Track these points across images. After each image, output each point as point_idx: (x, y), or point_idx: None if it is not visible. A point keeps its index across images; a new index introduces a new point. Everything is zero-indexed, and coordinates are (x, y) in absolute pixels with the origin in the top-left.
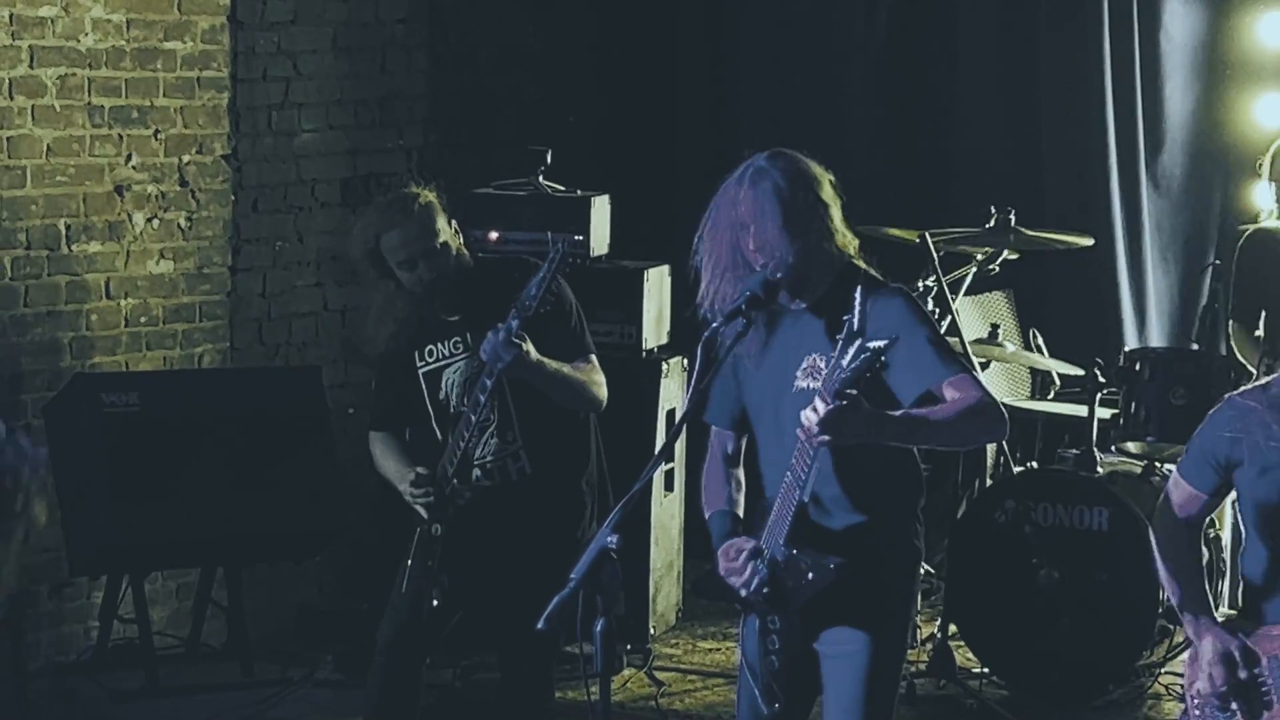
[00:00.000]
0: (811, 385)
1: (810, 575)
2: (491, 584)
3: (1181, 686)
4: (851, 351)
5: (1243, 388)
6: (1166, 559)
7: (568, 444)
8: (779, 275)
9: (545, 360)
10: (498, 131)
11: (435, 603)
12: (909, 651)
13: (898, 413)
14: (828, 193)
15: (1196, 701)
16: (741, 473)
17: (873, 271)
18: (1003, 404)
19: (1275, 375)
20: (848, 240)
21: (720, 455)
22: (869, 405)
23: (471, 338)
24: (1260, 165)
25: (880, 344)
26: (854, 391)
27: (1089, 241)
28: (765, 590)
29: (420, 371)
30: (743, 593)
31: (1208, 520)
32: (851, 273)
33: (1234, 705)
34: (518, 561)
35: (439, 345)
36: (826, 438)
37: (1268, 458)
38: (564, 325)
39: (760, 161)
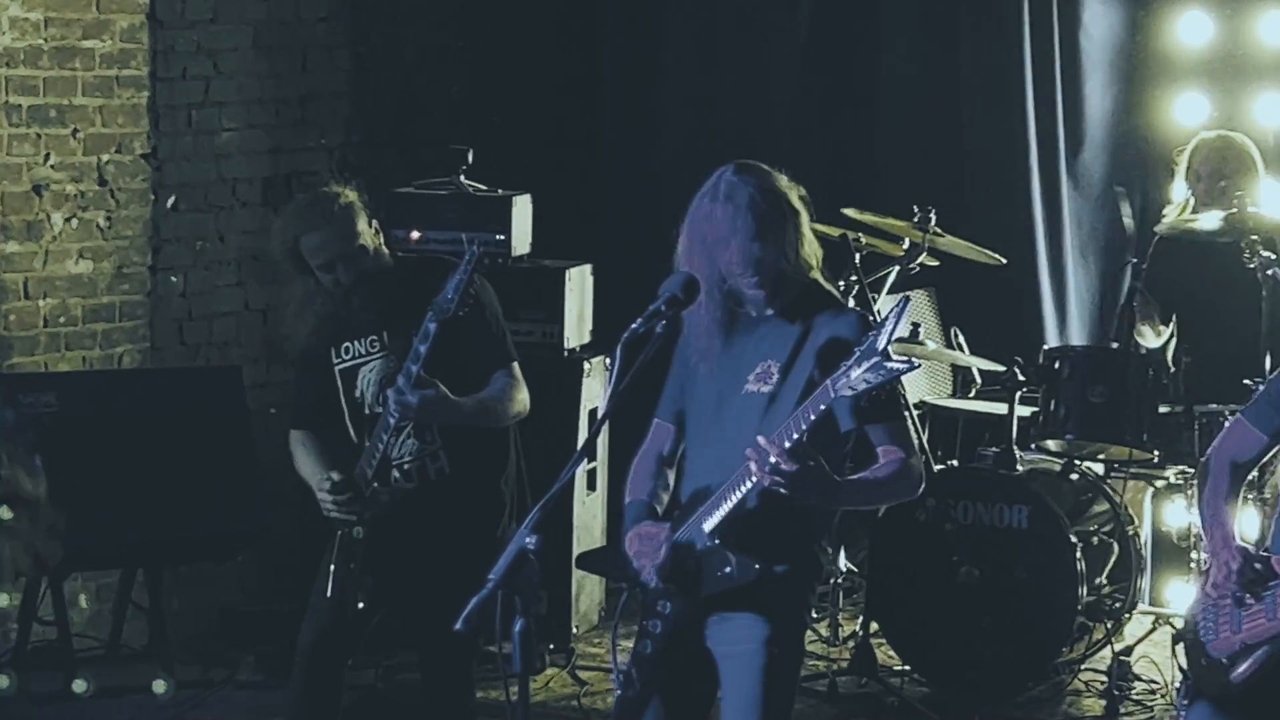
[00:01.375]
0: (763, 390)
1: (728, 569)
2: (412, 584)
3: (1101, 683)
4: (867, 365)
5: None
6: (1207, 497)
7: (486, 444)
8: (750, 288)
9: (460, 402)
10: (420, 130)
11: (360, 605)
12: (831, 650)
13: (843, 481)
14: (798, 205)
15: (1212, 595)
16: (673, 476)
17: (834, 292)
18: (920, 465)
19: None
20: (813, 252)
21: (655, 452)
22: (828, 469)
23: (388, 336)
24: (1175, 163)
25: (899, 366)
26: (813, 456)
27: (1003, 260)
28: (667, 579)
29: (336, 368)
30: (649, 579)
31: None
32: (814, 290)
33: (1248, 599)
34: (437, 562)
35: (355, 343)
36: (780, 485)
37: None
38: (484, 330)
39: (732, 176)
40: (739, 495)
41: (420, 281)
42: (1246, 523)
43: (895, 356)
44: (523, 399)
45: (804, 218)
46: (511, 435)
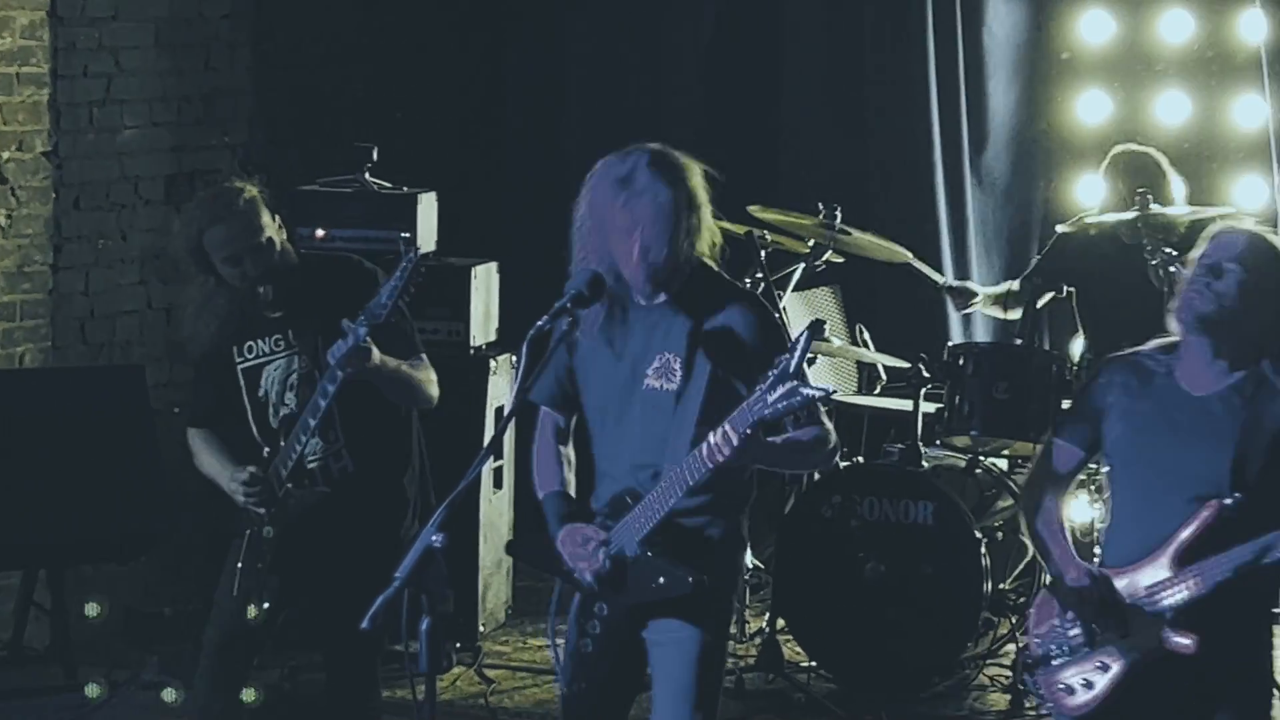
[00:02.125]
0: (666, 387)
1: (661, 581)
2: (316, 583)
3: (1006, 678)
4: (781, 391)
5: (1127, 352)
6: (1035, 518)
7: (390, 442)
8: (646, 282)
9: (387, 360)
10: (324, 128)
11: (266, 605)
12: (738, 647)
13: (772, 444)
14: (701, 189)
15: (1043, 629)
16: (572, 450)
17: (722, 274)
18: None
19: (1164, 349)
20: (708, 239)
21: (551, 432)
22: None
23: (293, 335)
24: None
25: (814, 393)
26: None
27: (907, 256)
28: (603, 583)
29: (239, 367)
30: (586, 579)
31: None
32: (702, 274)
33: (1093, 625)
34: (341, 560)
35: (259, 342)
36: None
37: (1127, 406)
38: (397, 325)
39: (647, 168)
40: (668, 507)
41: (325, 280)
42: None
43: (810, 382)
44: (435, 382)
45: (706, 210)
46: (415, 434)
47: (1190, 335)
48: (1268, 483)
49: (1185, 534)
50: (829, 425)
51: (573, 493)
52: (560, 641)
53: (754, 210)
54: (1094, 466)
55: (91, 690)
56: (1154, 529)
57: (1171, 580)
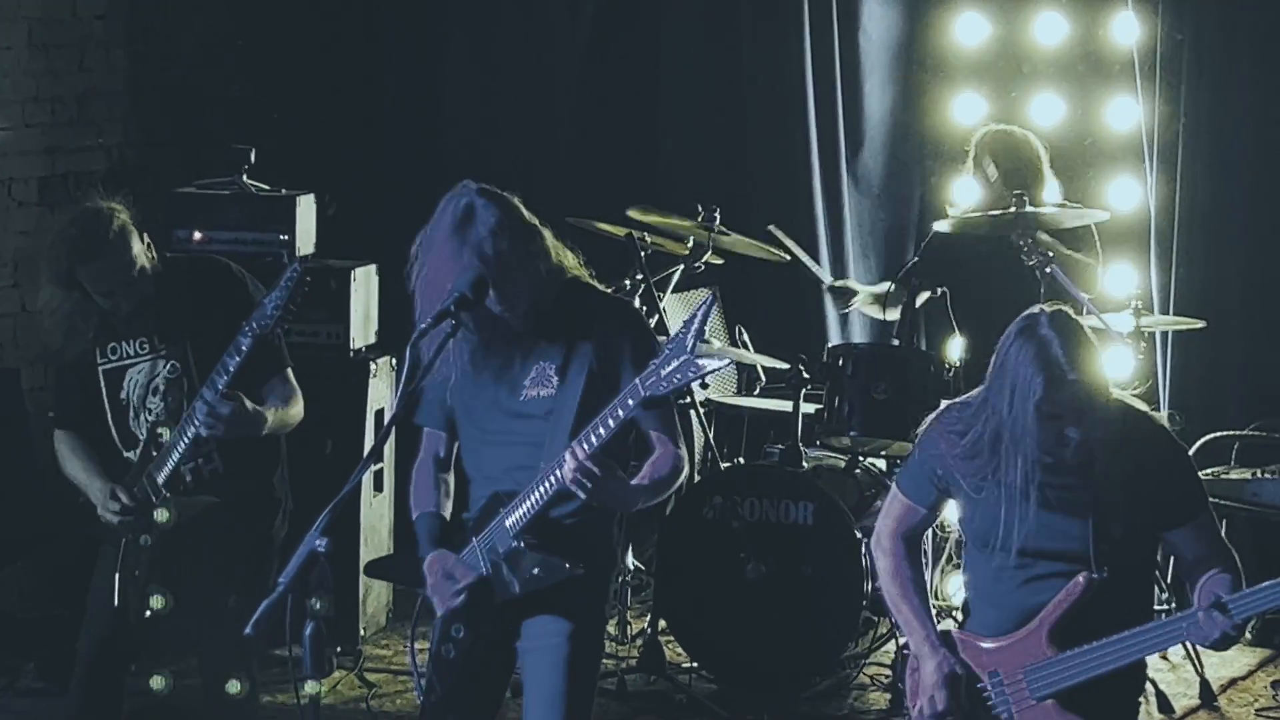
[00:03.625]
0: (543, 394)
1: (536, 571)
2: (191, 586)
3: (886, 677)
4: (675, 365)
5: (954, 403)
6: (889, 578)
7: (258, 443)
8: (514, 314)
9: (261, 413)
10: (201, 129)
11: (147, 613)
12: (620, 648)
13: (633, 485)
14: (535, 224)
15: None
16: (452, 478)
17: (596, 284)
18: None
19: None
20: (564, 255)
21: (431, 457)
22: (623, 475)
23: (158, 339)
24: (964, 157)
25: (709, 364)
26: (613, 465)
27: (786, 257)
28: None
29: (101, 369)
30: (438, 610)
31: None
32: (575, 288)
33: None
34: (214, 562)
35: (123, 344)
36: (577, 485)
37: (974, 479)
38: (264, 337)
39: (471, 212)
40: (542, 497)
41: (194, 284)
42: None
43: (704, 354)
44: (300, 399)
45: (545, 232)
46: (281, 435)
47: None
48: (1126, 550)
49: (1056, 610)
50: (684, 452)
51: (447, 515)
52: (421, 647)
53: (633, 213)
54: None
55: (156, 683)
56: (1015, 598)
57: (1056, 663)
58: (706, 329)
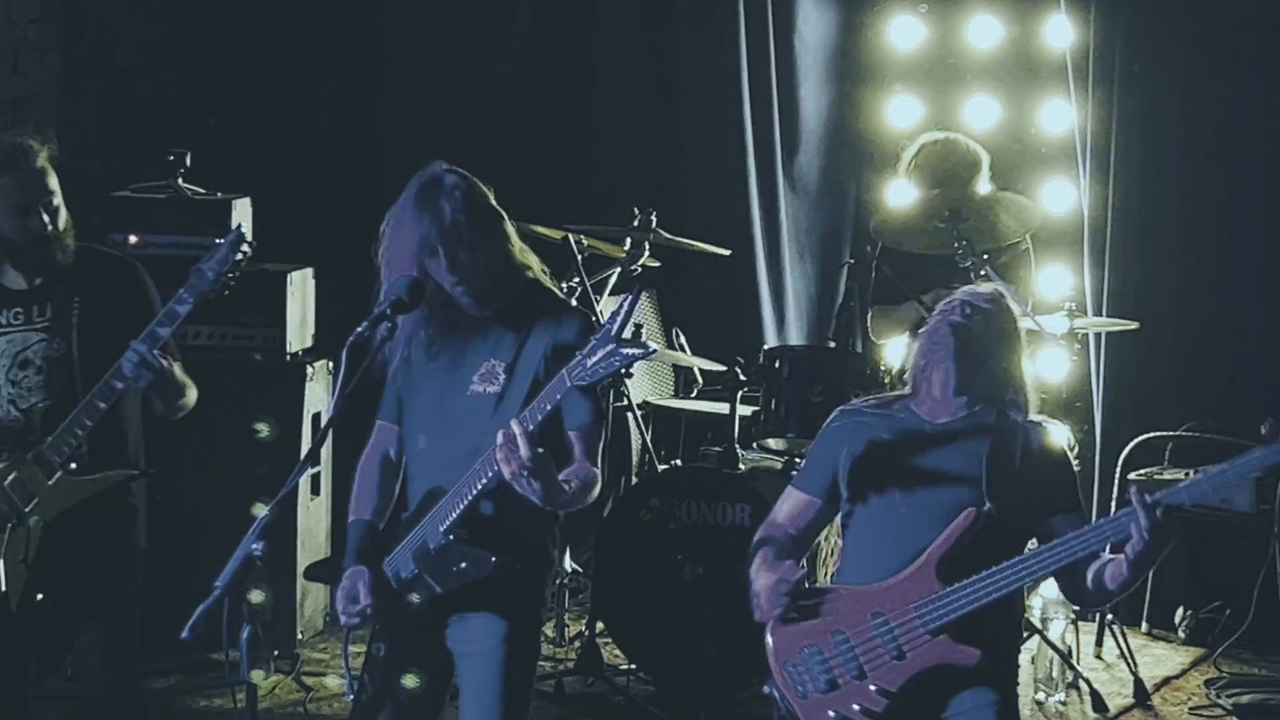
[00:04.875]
0: (489, 390)
1: (464, 565)
2: (64, 572)
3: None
4: (601, 355)
5: (858, 401)
6: (756, 548)
7: (121, 432)
8: (464, 295)
9: (181, 379)
10: (136, 133)
11: (40, 597)
12: (557, 650)
13: (561, 480)
14: (500, 211)
15: (787, 666)
16: (397, 482)
17: (557, 291)
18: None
19: (896, 396)
20: (528, 255)
21: (379, 457)
22: (553, 466)
23: (36, 312)
24: (896, 164)
25: (635, 352)
26: (542, 451)
27: (725, 251)
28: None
29: None
30: (341, 621)
31: None
32: (533, 290)
33: (845, 665)
34: (84, 545)
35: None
36: (524, 473)
37: (864, 444)
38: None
39: (434, 184)
40: (474, 492)
41: (96, 272)
42: None
43: (630, 343)
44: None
45: (508, 222)
46: (141, 427)
47: (937, 365)
48: (1015, 496)
49: (944, 543)
50: (596, 470)
51: (380, 525)
52: (356, 650)
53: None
54: None
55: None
56: (903, 548)
57: (947, 594)
58: (632, 321)
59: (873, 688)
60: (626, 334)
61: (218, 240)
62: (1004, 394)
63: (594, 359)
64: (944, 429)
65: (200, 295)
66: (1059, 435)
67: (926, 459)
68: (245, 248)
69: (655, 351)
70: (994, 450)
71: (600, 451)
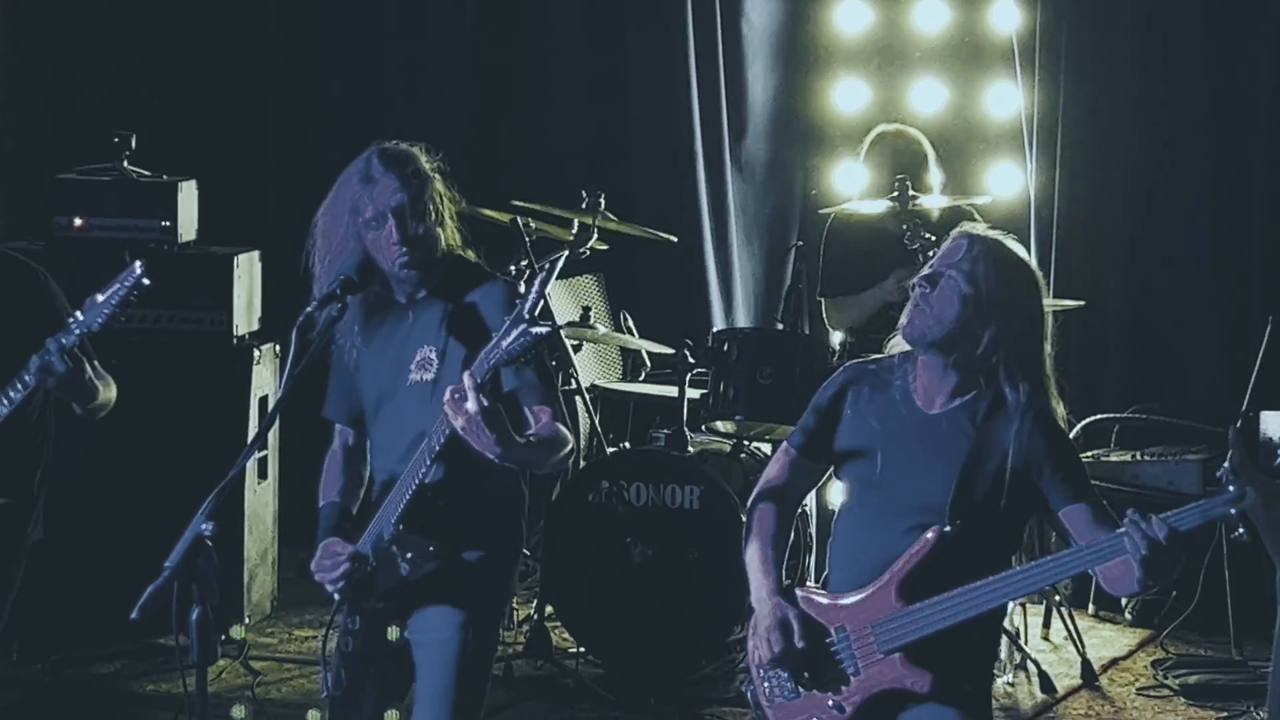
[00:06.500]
0: (425, 378)
1: (410, 555)
2: None
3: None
4: (514, 334)
5: (857, 360)
6: (752, 529)
7: (22, 438)
8: (405, 267)
9: (91, 381)
10: (80, 116)
11: None
12: (506, 634)
13: (520, 440)
14: (441, 186)
15: (762, 672)
16: (365, 469)
17: (482, 264)
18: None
19: (885, 355)
20: (455, 231)
21: (341, 448)
22: (505, 416)
23: None
24: (855, 151)
25: (544, 330)
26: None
27: (673, 238)
28: (349, 584)
29: None
30: (328, 588)
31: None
32: (459, 266)
33: (806, 675)
34: None
35: None
36: (463, 426)
37: (858, 420)
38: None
39: (378, 158)
40: (420, 479)
41: None
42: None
43: (539, 321)
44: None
45: (447, 199)
46: (49, 433)
47: (918, 352)
48: (989, 511)
49: (906, 563)
50: (566, 430)
51: (351, 506)
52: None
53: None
54: None
55: (238, 712)
56: (874, 553)
57: (903, 616)
58: (542, 293)
59: (830, 703)
60: (575, 317)
61: (117, 279)
62: (998, 370)
63: (508, 340)
64: (932, 423)
65: (87, 331)
66: (1059, 419)
67: (905, 458)
68: (138, 291)
69: (558, 327)
70: (974, 454)
71: (561, 409)
